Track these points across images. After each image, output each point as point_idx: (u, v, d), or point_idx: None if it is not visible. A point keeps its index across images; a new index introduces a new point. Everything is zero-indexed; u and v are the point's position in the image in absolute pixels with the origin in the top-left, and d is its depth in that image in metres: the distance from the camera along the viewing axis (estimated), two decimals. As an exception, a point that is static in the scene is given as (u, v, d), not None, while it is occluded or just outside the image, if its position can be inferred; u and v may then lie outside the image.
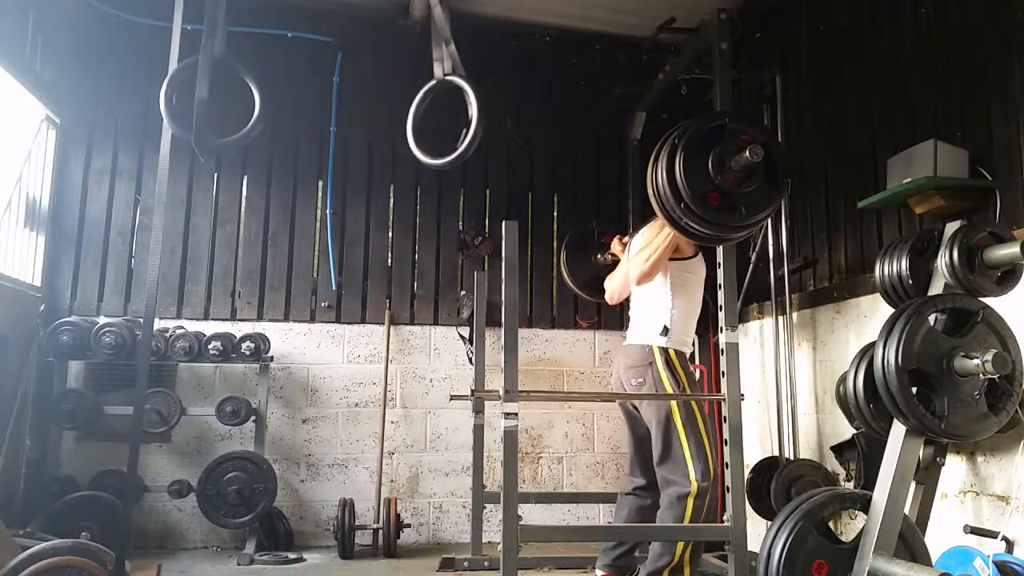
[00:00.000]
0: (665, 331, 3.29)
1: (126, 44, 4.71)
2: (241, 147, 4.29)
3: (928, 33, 3.28)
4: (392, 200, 5.05)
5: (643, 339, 3.37)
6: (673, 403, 3.20)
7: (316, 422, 4.71)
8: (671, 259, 3.33)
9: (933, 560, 2.58)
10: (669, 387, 3.22)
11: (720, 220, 2.80)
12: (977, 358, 2.41)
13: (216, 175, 4.83)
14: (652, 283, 3.39)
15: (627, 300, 3.70)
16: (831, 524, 2.78)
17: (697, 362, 4.53)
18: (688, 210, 2.77)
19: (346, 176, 4.96)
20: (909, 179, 2.94)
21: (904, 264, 2.77)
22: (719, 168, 2.74)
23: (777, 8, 4.35)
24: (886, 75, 3.55)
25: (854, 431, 3.24)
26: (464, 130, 3.85)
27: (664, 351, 3.27)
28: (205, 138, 3.55)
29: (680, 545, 3.13)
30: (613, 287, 3.76)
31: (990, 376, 2.44)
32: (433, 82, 3.88)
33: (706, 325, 4.54)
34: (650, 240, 3.32)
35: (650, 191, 2.90)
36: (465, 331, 4.88)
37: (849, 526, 3.37)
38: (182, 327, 4.42)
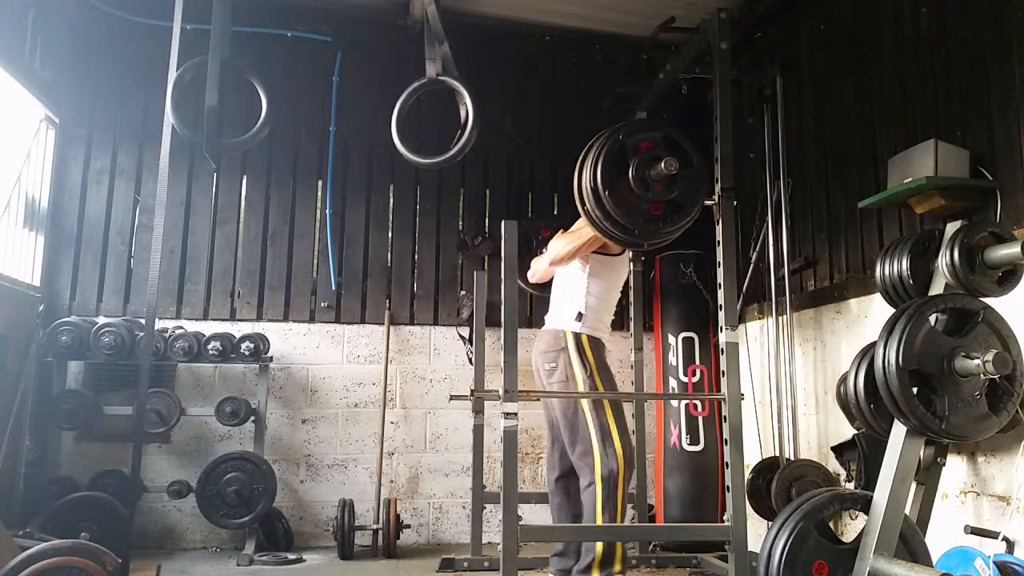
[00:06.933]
0: (579, 317, 3.40)
1: (126, 44, 4.71)
2: (244, 148, 4.29)
3: (928, 33, 3.28)
4: (392, 200, 5.04)
5: (557, 324, 3.48)
6: (580, 387, 3.30)
7: (316, 422, 4.70)
8: (597, 252, 3.44)
9: (934, 560, 2.58)
10: (578, 372, 3.33)
11: (669, 227, 2.97)
12: (978, 358, 2.41)
13: (216, 175, 4.82)
14: (572, 271, 3.50)
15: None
16: (832, 524, 2.79)
17: (697, 362, 4.53)
18: (645, 233, 2.94)
19: (346, 176, 4.95)
20: (909, 179, 2.94)
21: (905, 264, 2.77)
22: (644, 186, 2.88)
23: (777, 8, 4.34)
24: (886, 75, 3.54)
25: (855, 431, 3.24)
26: (459, 131, 3.86)
27: (576, 336, 3.38)
28: (216, 145, 3.57)
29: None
30: (538, 267, 3.82)
31: (991, 376, 2.43)
32: (422, 81, 3.90)
33: (706, 325, 4.55)
34: (578, 228, 3.45)
35: (600, 230, 3.05)
36: (465, 331, 4.88)
37: (850, 526, 3.37)
38: (181, 327, 4.42)
